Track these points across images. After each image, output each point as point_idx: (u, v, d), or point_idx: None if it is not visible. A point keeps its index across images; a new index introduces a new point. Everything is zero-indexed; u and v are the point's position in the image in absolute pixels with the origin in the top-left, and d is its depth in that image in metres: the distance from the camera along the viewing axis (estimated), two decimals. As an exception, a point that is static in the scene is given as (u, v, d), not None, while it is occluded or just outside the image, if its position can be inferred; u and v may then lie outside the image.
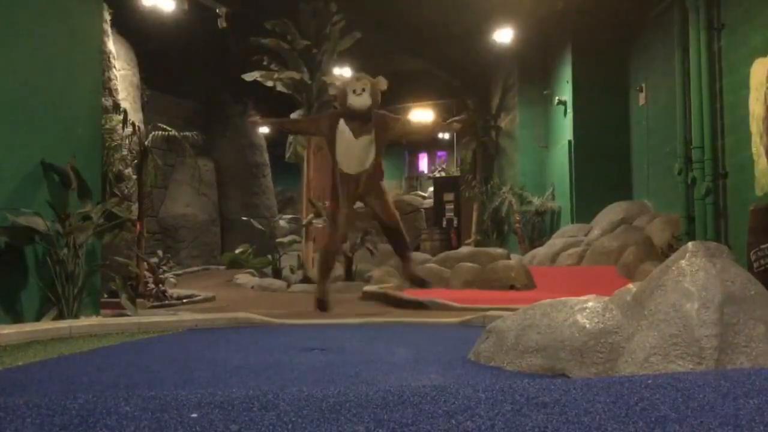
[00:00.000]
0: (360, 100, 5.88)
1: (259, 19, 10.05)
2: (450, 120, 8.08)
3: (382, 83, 6.01)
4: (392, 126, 6.14)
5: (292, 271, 10.24)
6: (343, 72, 12.11)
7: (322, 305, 5.89)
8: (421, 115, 19.26)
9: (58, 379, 2.55)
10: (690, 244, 2.58)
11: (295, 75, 10.15)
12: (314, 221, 10.10)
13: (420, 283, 6.25)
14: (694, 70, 7.95)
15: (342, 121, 5.98)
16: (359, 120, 5.95)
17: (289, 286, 9.29)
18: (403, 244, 6.22)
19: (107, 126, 6.89)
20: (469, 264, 8.34)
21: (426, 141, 22.72)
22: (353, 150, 5.95)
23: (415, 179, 24.04)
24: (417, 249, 14.18)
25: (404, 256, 6.26)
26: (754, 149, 6.93)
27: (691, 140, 8.06)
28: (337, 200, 6.08)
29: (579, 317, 2.59)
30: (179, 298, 7.38)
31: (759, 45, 6.86)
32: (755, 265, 5.03)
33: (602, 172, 11.21)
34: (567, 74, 11.83)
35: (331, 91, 6.38)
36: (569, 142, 11.61)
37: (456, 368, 2.74)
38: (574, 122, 11.50)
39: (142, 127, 8.31)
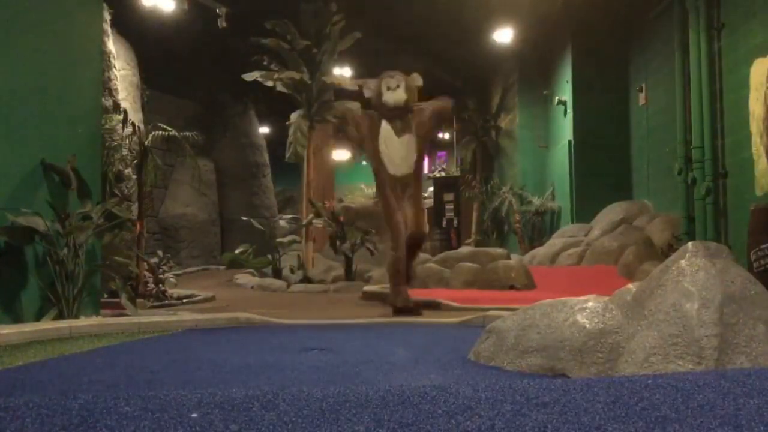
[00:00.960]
0: (395, 96, 5.65)
1: (259, 19, 10.05)
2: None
3: (417, 80, 5.76)
4: (431, 117, 5.82)
5: (292, 271, 10.24)
6: (343, 72, 12.12)
7: (409, 310, 5.51)
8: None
9: (58, 379, 2.55)
10: (690, 244, 2.58)
11: (295, 75, 10.15)
12: (314, 221, 10.10)
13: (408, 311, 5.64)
14: (694, 70, 7.95)
15: (384, 122, 5.75)
16: (399, 117, 5.71)
17: (289, 286, 9.29)
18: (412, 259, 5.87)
19: (107, 126, 6.88)
20: (469, 264, 8.33)
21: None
22: (398, 150, 5.71)
23: (415, 179, 24.02)
24: (417, 249, 14.17)
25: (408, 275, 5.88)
26: (754, 149, 6.93)
27: (691, 140, 8.06)
28: (390, 206, 5.74)
29: (579, 317, 2.59)
30: (179, 298, 7.38)
31: (759, 45, 6.86)
32: (755, 265, 5.03)
33: (602, 172, 11.22)
34: (567, 74, 11.83)
35: (366, 94, 6.00)
36: (569, 142, 11.62)
37: (456, 368, 2.74)
38: (574, 122, 11.51)
39: (142, 127, 8.31)
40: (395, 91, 5.69)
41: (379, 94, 5.78)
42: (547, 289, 7.46)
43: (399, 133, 5.73)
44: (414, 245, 5.88)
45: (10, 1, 4.74)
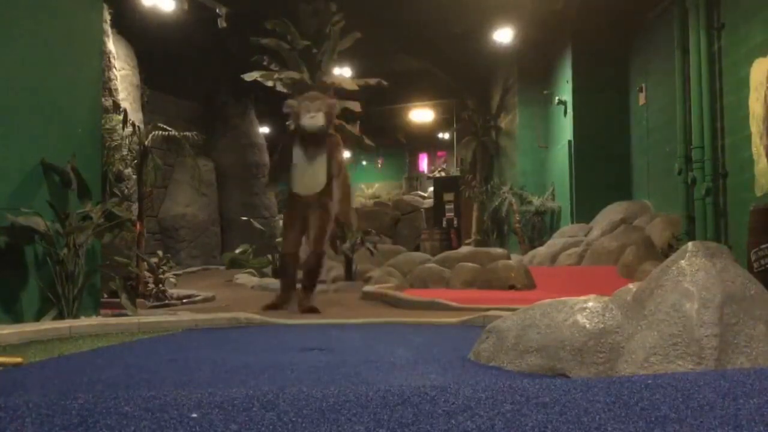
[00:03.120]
0: (313, 122, 5.76)
1: (259, 19, 10.06)
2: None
3: (335, 105, 6.01)
4: (339, 156, 6.08)
5: (292, 271, 10.22)
6: (343, 72, 12.12)
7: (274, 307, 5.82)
8: (421, 114, 19.26)
9: (58, 379, 2.55)
10: (690, 244, 2.58)
11: (295, 75, 10.16)
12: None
13: (310, 310, 5.86)
14: (694, 70, 7.95)
15: (297, 142, 5.90)
16: (313, 141, 5.85)
17: (289, 286, 9.27)
18: (307, 277, 6.03)
19: (107, 126, 6.88)
20: (470, 264, 8.33)
21: (426, 141, 22.76)
22: (305, 172, 5.87)
23: (415, 179, 24.09)
24: (417, 249, 14.20)
25: (303, 286, 6.08)
26: (754, 149, 6.93)
27: (691, 140, 8.06)
28: (290, 218, 6.14)
29: (579, 317, 2.59)
30: (179, 298, 7.37)
31: (759, 45, 6.86)
32: (755, 265, 5.03)
33: (602, 172, 11.22)
34: (567, 74, 11.83)
35: (285, 110, 6.18)
36: (569, 142, 11.62)
37: (456, 368, 2.73)
38: (574, 122, 11.51)
39: (142, 127, 8.31)
40: (315, 116, 5.76)
41: (298, 116, 5.87)
42: (547, 289, 7.46)
43: (311, 156, 5.86)
44: (306, 265, 6.07)
45: (9, 1, 4.74)
